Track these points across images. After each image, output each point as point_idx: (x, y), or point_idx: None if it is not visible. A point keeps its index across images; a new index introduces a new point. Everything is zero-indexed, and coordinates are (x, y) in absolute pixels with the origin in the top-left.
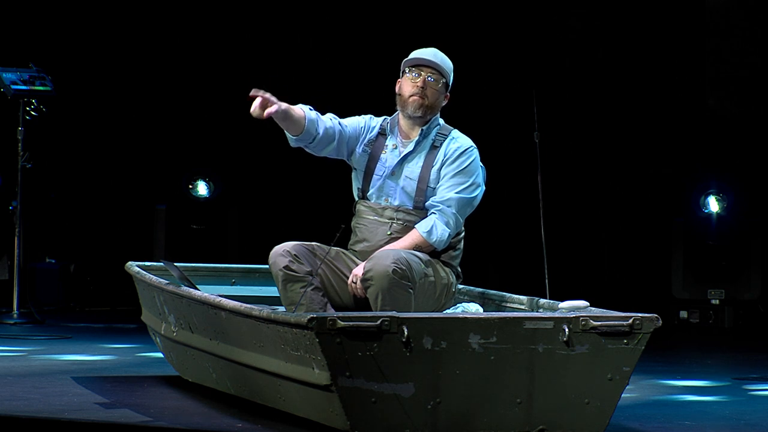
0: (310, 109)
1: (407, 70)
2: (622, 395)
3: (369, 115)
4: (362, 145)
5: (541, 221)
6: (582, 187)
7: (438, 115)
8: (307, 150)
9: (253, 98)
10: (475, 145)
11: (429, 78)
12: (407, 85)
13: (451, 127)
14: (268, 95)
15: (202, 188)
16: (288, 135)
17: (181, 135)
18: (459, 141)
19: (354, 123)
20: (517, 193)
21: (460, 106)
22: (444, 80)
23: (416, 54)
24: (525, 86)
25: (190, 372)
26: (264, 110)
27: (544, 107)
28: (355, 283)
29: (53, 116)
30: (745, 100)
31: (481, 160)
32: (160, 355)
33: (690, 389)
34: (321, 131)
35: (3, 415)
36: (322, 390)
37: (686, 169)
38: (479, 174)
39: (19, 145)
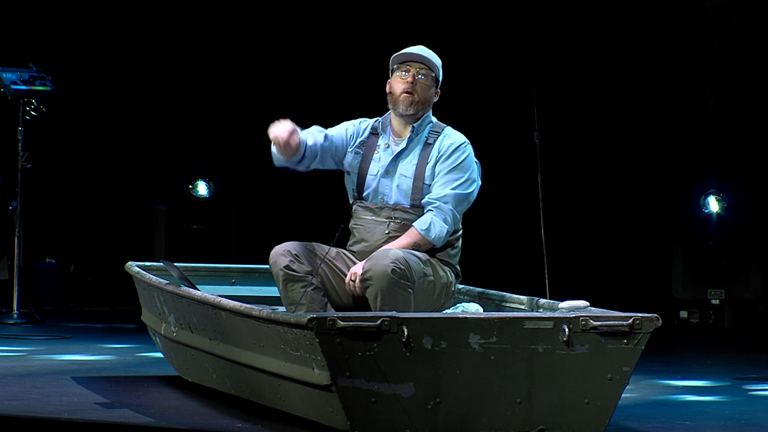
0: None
1: (396, 68)
2: (622, 395)
3: (360, 119)
4: (353, 149)
5: (541, 221)
6: (582, 187)
7: (430, 112)
8: (293, 169)
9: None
10: (468, 141)
11: (418, 74)
12: (397, 83)
13: (444, 125)
14: (295, 127)
15: (202, 188)
16: (276, 157)
17: (181, 135)
18: (452, 137)
19: (340, 132)
20: (517, 194)
21: (461, 106)
22: (433, 75)
23: (404, 51)
24: (525, 86)
25: (190, 372)
26: (290, 136)
27: (544, 107)
28: (354, 281)
29: (53, 116)
30: (745, 100)
31: (481, 160)
32: (160, 355)
33: (690, 389)
34: (307, 153)
35: (3, 415)
36: (322, 390)
37: (686, 169)
38: (474, 169)
39: (19, 145)
